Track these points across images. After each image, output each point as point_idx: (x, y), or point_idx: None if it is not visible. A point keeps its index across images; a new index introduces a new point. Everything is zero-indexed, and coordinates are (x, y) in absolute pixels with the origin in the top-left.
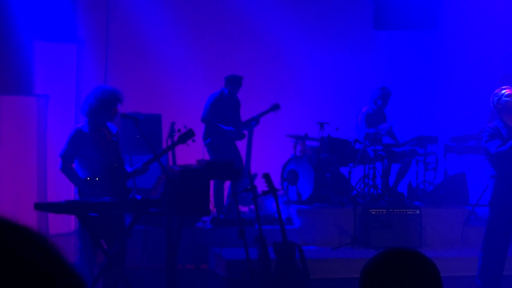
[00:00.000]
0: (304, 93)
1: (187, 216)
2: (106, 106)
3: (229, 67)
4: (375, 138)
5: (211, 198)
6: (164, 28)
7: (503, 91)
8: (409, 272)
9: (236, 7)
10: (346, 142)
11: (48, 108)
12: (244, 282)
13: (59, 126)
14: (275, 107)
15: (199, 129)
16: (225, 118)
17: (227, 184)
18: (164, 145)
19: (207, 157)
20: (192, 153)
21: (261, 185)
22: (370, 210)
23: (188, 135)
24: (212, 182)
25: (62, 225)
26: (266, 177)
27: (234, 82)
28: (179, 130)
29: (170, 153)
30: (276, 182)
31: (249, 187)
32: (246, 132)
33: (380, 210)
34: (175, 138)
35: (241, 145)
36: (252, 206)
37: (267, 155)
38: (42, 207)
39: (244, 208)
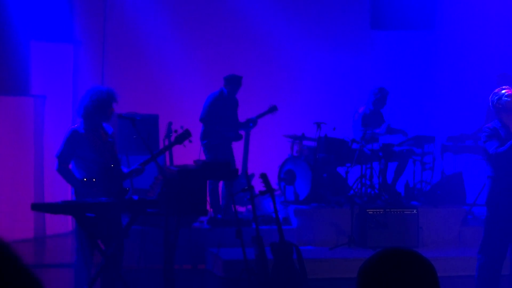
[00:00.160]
0: (301, 93)
1: (184, 216)
2: (102, 106)
3: (226, 68)
4: (372, 138)
5: (208, 198)
6: (161, 28)
7: (503, 91)
8: (406, 272)
9: (233, 8)
10: (343, 142)
11: (45, 108)
12: (241, 282)
13: (56, 127)
14: (272, 109)
15: (197, 129)
16: (223, 119)
17: (221, 184)
18: (161, 146)
19: (203, 157)
20: (189, 154)
21: (258, 185)
22: (367, 210)
23: (184, 135)
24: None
25: (59, 226)
26: (263, 177)
27: (233, 82)
28: (175, 131)
29: (167, 154)
30: (273, 182)
31: (246, 187)
32: (243, 132)
33: (377, 210)
34: (172, 138)
35: (239, 145)
36: (250, 206)
37: (264, 155)
38: (39, 207)
39: (241, 208)
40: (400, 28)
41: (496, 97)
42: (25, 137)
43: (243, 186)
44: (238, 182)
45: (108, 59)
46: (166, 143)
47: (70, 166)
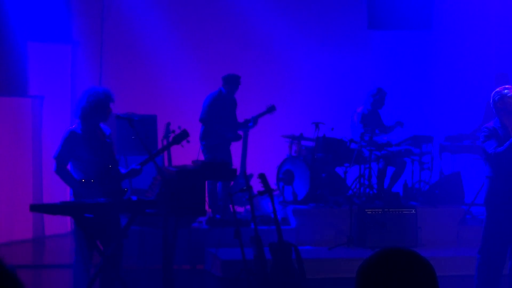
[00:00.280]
0: (299, 93)
1: (183, 217)
2: (99, 107)
3: (224, 68)
4: (370, 139)
5: (206, 198)
6: (159, 28)
7: (506, 91)
8: (405, 271)
9: (231, 8)
10: (341, 142)
11: (43, 109)
12: (240, 282)
13: (54, 127)
14: (271, 109)
15: (195, 129)
16: (222, 119)
17: (219, 184)
18: (159, 146)
19: (202, 157)
20: (187, 154)
21: (256, 185)
22: (366, 210)
23: (182, 136)
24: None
25: (58, 226)
26: (262, 177)
27: (232, 81)
28: (173, 131)
29: (165, 154)
30: (272, 182)
31: (245, 188)
32: (241, 133)
33: (376, 210)
34: (171, 138)
35: (237, 145)
36: (248, 207)
37: (263, 155)
38: (38, 208)
39: (240, 209)
40: (398, 28)
41: (498, 97)
42: (23, 138)
43: (241, 186)
44: (236, 182)
45: (106, 59)
46: (165, 143)
47: (68, 167)
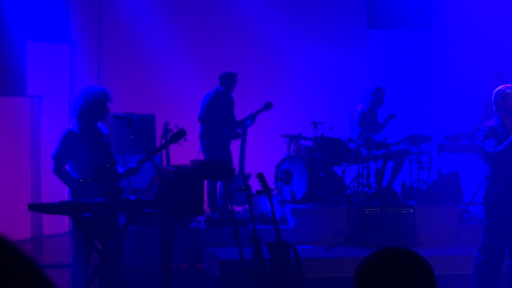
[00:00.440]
0: (297, 92)
1: (181, 216)
2: (97, 106)
3: (222, 67)
4: (369, 138)
5: (205, 198)
6: (157, 28)
7: (509, 90)
8: (403, 271)
9: (229, 7)
10: (339, 141)
11: (41, 108)
12: (238, 282)
13: (53, 127)
14: (268, 106)
15: (194, 129)
16: (221, 117)
17: (219, 184)
18: (158, 146)
19: (201, 157)
20: (186, 153)
21: (255, 185)
22: (364, 209)
23: (179, 134)
24: (205, 182)
25: (56, 226)
26: (260, 176)
27: (228, 79)
28: (170, 130)
29: (164, 154)
30: (270, 181)
31: (243, 187)
32: (240, 131)
33: (374, 209)
34: (168, 137)
35: (235, 145)
36: (246, 206)
37: (261, 154)
38: (36, 208)
39: (238, 208)
40: (397, 27)
41: (499, 95)
42: (21, 137)
43: (240, 185)
44: (235, 182)
45: (104, 59)
46: (163, 142)
47: (66, 166)
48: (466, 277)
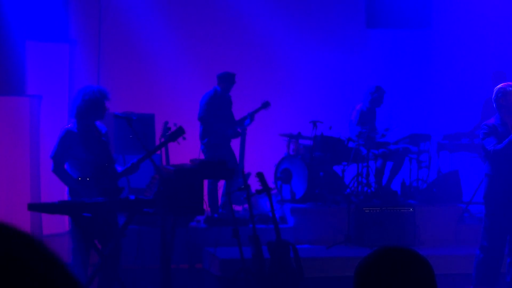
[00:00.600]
0: (297, 91)
1: (181, 216)
2: (95, 105)
3: (222, 66)
4: (368, 137)
5: (205, 197)
6: (156, 27)
7: (510, 88)
8: (403, 270)
9: (228, 6)
10: (339, 140)
11: (41, 108)
12: (238, 281)
13: (52, 127)
14: (265, 105)
15: (193, 128)
16: (219, 117)
17: (221, 183)
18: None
19: (202, 156)
20: (186, 153)
21: (254, 184)
22: (364, 209)
23: (178, 133)
24: (206, 182)
25: (56, 226)
26: (260, 176)
27: (226, 79)
28: (169, 128)
29: (163, 153)
30: (270, 181)
31: (242, 186)
32: (239, 129)
33: (374, 208)
34: (167, 136)
35: (235, 144)
36: (246, 205)
37: (261, 154)
38: (36, 207)
39: (238, 207)
40: (396, 26)
41: (501, 93)
42: (21, 137)
43: (239, 185)
44: (234, 181)
45: (104, 58)
46: (162, 141)
47: (65, 166)
48: (466, 276)
